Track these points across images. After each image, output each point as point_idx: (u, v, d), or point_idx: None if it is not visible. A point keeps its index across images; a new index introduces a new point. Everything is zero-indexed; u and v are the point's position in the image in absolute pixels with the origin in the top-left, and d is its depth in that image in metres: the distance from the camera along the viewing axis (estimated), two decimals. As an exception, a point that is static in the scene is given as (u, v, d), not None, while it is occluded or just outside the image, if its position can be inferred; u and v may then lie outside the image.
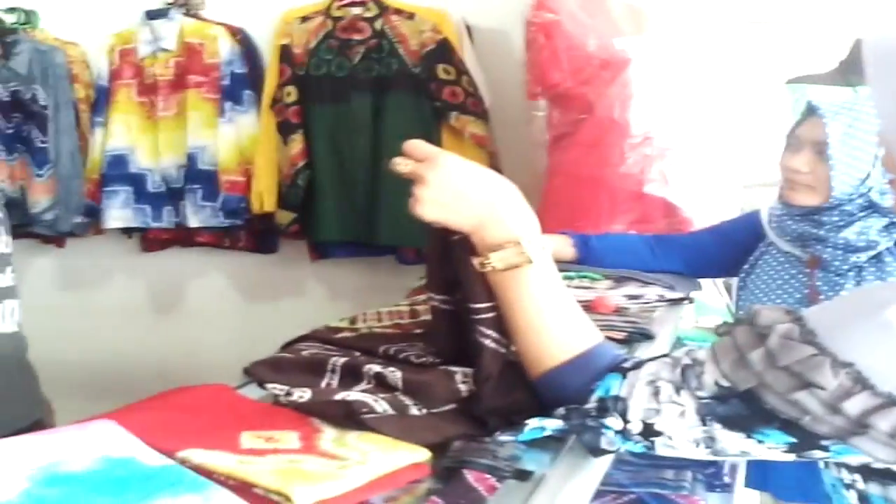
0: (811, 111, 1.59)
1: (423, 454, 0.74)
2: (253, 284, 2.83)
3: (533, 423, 0.77)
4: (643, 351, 1.17)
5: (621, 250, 1.77)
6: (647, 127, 2.02)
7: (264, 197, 2.52)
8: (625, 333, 1.20)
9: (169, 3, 2.59)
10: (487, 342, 0.86)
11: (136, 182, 2.62)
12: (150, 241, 2.77)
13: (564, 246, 1.75)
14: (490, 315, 0.86)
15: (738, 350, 0.69)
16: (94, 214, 2.65)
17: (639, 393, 0.73)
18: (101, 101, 2.63)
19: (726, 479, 1.39)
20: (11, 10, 2.68)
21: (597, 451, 0.75)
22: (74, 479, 0.59)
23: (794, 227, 1.62)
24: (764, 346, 0.68)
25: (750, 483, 1.65)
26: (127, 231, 2.74)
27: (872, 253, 1.54)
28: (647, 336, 1.20)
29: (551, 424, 0.76)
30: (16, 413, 1.55)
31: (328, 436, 0.76)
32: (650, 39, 2.01)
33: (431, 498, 0.68)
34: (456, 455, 0.76)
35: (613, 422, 0.73)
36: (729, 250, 1.75)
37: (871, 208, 1.55)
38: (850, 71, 2.41)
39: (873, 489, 0.73)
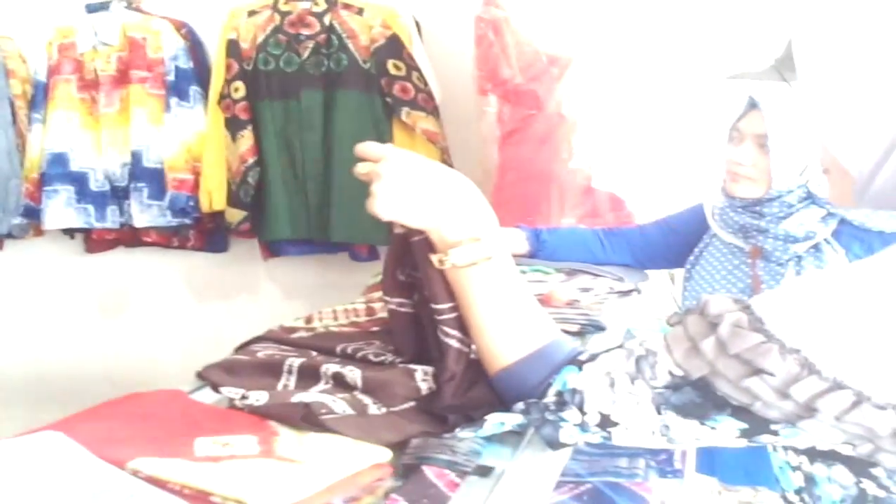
0: (752, 105, 1.62)
1: (384, 454, 0.74)
2: (204, 285, 2.79)
3: (493, 418, 0.77)
4: (596, 342, 1.19)
5: (572, 244, 1.79)
6: (595, 122, 2.04)
7: (213, 195, 2.49)
8: (578, 325, 1.22)
9: (109, -3, 2.52)
10: (452, 342, 0.86)
11: (78, 181, 2.56)
12: (94, 241, 2.70)
13: (517, 240, 1.78)
14: (453, 315, 0.86)
15: (689, 339, 0.71)
16: (33, 215, 2.58)
17: (595, 385, 0.74)
18: (39, 96, 2.56)
19: (677, 466, 1.42)
20: (-57, 4, 2.59)
21: (556, 445, 0.76)
22: (18, 494, 0.57)
23: (736, 219, 1.66)
24: (715, 334, 0.69)
25: (698, 468, 1.69)
26: (69, 232, 2.68)
27: (811, 243, 1.59)
28: (599, 327, 1.22)
29: (511, 420, 0.77)
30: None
31: (286, 439, 0.76)
32: (596, 36, 2.03)
33: (391, 496, 0.68)
34: (415, 451, 0.77)
35: (571, 415, 0.74)
36: (675, 242, 1.79)
37: (809, 199, 1.59)
38: (785, 67, 2.47)
39: (818, 470, 0.75)
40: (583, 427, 0.74)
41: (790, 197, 1.59)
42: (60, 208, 2.55)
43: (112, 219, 2.59)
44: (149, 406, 0.83)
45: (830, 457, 0.73)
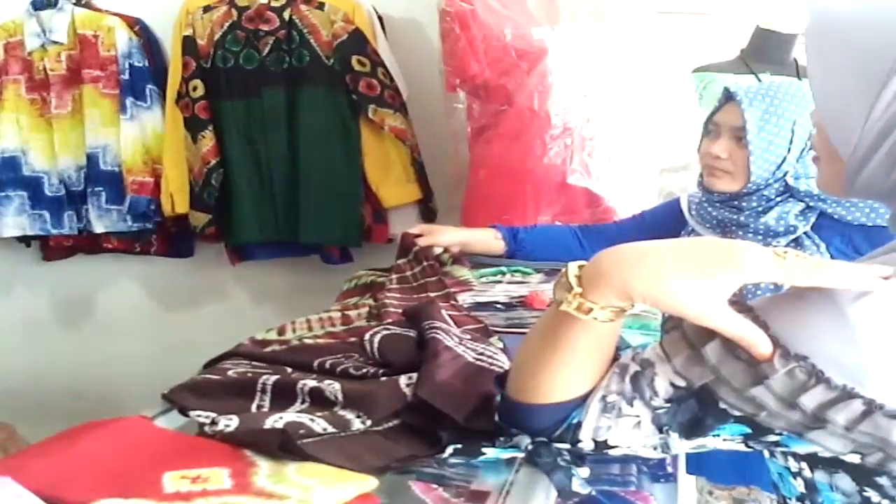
0: (729, 97, 1.60)
1: (369, 483, 0.69)
2: (169, 291, 2.71)
3: (490, 452, 0.73)
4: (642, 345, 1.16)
5: (550, 242, 1.75)
6: (567, 117, 2.01)
7: (175, 198, 2.40)
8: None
9: (58, -8, 2.42)
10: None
11: (32, 186, 2.46)
12: (51, 249, 2.60)
13: (493, 240, 1.74)
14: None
15: (689, 345, 0.68)
16: (-14, 223, 2.47)
17: (591, 412, 0.71)
18: (-14, 99, 2.46)
19: (670, 469, 1.39)
20: None
21: (567, 493, 0.72)
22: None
23: (714, 214, 1.63)
24: (717, 338, 0.66)
25: (689, 469, 1.67)
26: (24, 239, 2.57)
27: (791, 237, 1.57)
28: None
29: (506, 456, 0.73)
30: None
31: (264, 471, 0.70)
32: (566, 29, 1.99)
33: None
34: (401, 466, 0.72)
35: (584, 471, 0.71)
36: (652, 238, 1.75)
37: (788, 192, 1.57)
38: (751, 58, 2.47)
39: (820, 476, 0.73)
40: (578, 456, 0.70)
41: (768, 191, 1.56)
42: (13, 215, 2.45)
43: (69, 225, 2.49)
44: (110, 437, 0.77)
45: (832, 464, 0.70)
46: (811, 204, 1.56)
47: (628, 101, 2.10)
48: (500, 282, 1.55)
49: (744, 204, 1.58)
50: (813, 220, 1.57)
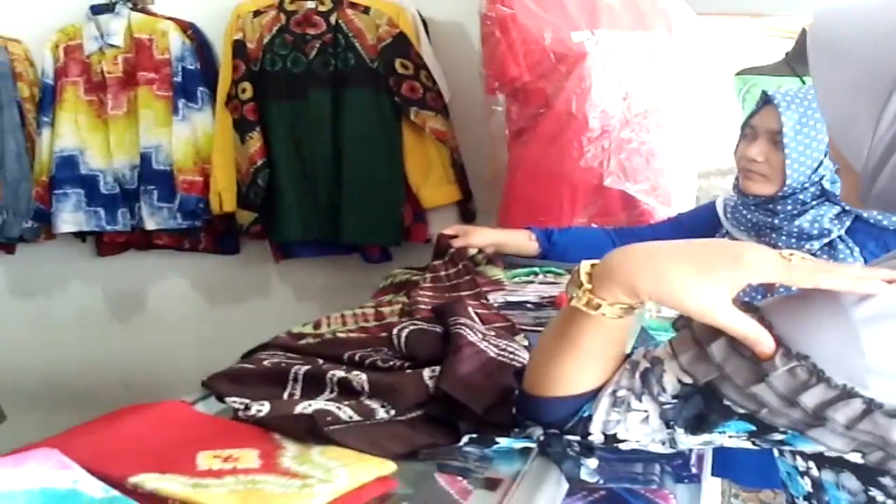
0: (766, 101, 1.60)
1: (388, 467, 0.72)
2: (216, 287, 2.78)
3: (504, 442, 0.76)
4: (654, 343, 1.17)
5: (583, 244, 1.77)
6: (605, 120, 2.02)
7: (223, 197, 2.47)
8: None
9: (114, -3, 2.51)
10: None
11: (88, 184, 2.54)
12: (105, 244, 2.69)
13: (527, 241, 1.76)
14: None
15: (696, 343, 0.70)
16: (44, 219, 2.56)
17: (601, 406, 0.74)
18: (46, 99, 2.54)
19: (693, 470, 1.40)
20: (-53, 6, 2.59)
21: (575, 482, 0.75)
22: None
23: (749, 217, 1.64)
24: (723, 336, 0.68)
25: (714, 471, 1.67)
26: (80, 235, 2.67)
27: (825, 241, 1.56)
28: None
29: (521, 444, 0.76)
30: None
31: (290, 452, 0.74)
32: (605, 33, 2.00)
33: None
34: (427, 458, 0.76)
35: (593, 462, 0.74)
36: None
37: (823, 196, 1.57)
38: (796, 61, 2.45)
39: (826, 476, 0.74)
40: (589, 448, 0.73)
41: (804, 194, 1.56)
42: (71, 211, 2.54)
43: (123, 222, 2.57)
44: (150, 419, 0.82)
45: (838, 463, 0.72)
46: (847, 208, 1.56)
47: (669, 105, 2.11)
48: (532, 282, 1.58)
49: (779, 207, 1.58)
50: (848, 223, 1.56)
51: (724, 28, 2.53)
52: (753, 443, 0.71)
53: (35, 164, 2.58)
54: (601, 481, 0.75)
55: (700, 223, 1.77)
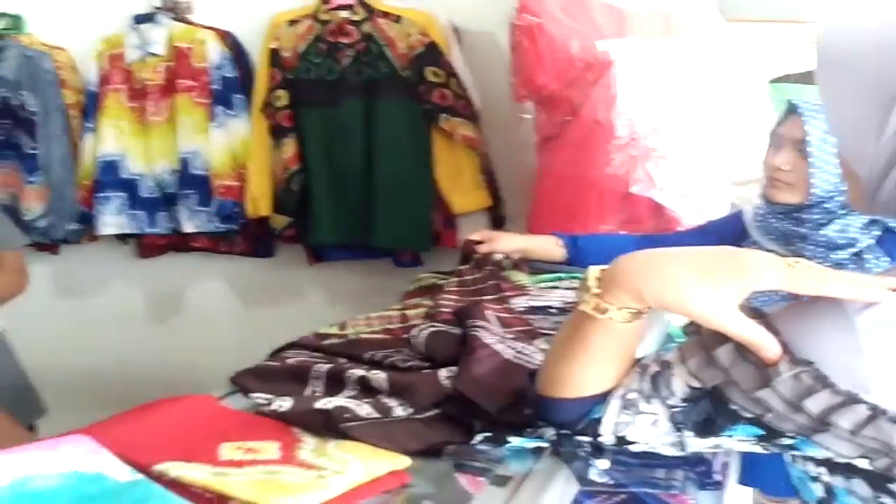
0: (791, 110, 1.60)
1: (402, 461, 0.76)
2: (251, 289, 2.83)
3: (516, 441, 0.78)
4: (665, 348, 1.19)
5: (609, 250, 1.75)
6: (632, 127, 2.03)
7: (258, 201, 2.53)
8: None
9: (157, 8, 2.58)
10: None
11: (130, 188, 2.61)
12: (145, 246, 2.77)
13: (553, 247, 1.77)
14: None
15: (704, 348, 0.71)
16: (87, 221, 2.64)
17: (611, 408, 0.75)
18: (90, 106, 2.62)
19: (717, 477, 1.41)
20: (-3, 14, 2.68)
21: (585, 481, 0.77)
22: (43, 495, 0.60)
23: (776, 226, 1.64)
24: (730, 342, 0.70)
25: (740, 480, 1.66)
26: (122, 237, 2.74)
27: (853, 250, 1.56)
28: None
29: (532, 444, 0.78)
30: (11, 414, 1.58)
31: (308, 446, 0.78)
32: (632, 40, 2.02)
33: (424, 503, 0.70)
34: (448, 458, 0.78)
35: (602, 463, 0.75)
36: None
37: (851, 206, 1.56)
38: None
39: (838, 482, 0.75)
40: (600, 449, 0.75)
41: (830, 203, 1.56)
42: (113, 214, 2.61)
43: (162, 224, 2.64)
44: (179, 411, 0.87)
45: (848, 469, 0.72)
46: (876, 217, 1.55)
47: (698, 112, 2.11)
48: (557, 287, 1.60)
49: (805, 216, 1.58)
50: (877, 233, 1.56)
51: (760, 34, 2.51)
52: (763, 447, 0.72)
53: (79, 169, 2.66)
54: (610, 480, 0.76)
55: (727, 232, 1.77)
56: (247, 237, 2.67)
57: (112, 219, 2.61)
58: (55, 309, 2.92)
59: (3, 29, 2.65)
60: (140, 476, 0.66)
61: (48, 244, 2.77)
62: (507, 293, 1.45)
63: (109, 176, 2.60)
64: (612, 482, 0.77)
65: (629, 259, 0.75)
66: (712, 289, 0.69)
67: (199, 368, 2.83)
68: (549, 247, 1.76)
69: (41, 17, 2.72)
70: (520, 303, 1.42)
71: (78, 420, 0.96)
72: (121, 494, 0.62)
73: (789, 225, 1.61)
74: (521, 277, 1.60)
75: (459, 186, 2.43)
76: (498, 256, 1.71)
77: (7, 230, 1.80)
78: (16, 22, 2.67)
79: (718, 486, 1.42)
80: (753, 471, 1.67)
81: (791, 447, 0.70)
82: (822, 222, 1.57)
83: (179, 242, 2.70)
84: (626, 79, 2.01)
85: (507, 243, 1.72)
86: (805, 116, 1.55)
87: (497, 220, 2.49)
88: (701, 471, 1.40)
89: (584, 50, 1.99)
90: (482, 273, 1.55)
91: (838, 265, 1.56)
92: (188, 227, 2.58)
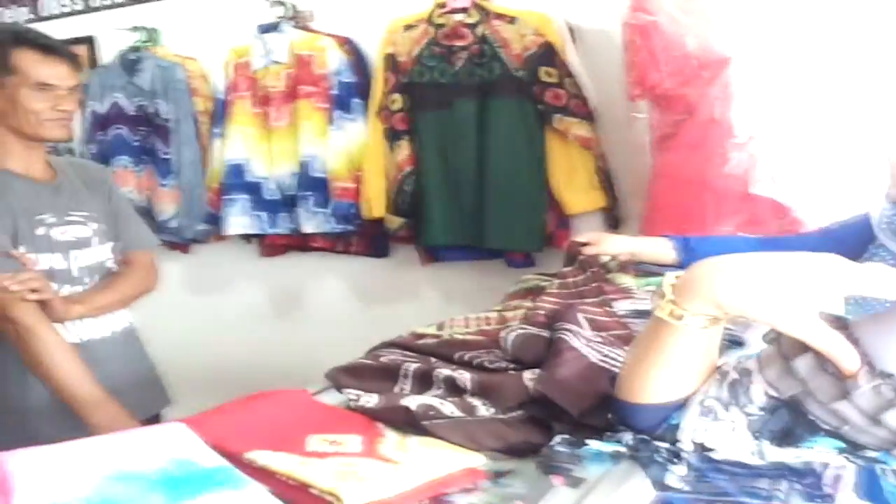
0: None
1: (478, 459, 0.76)
2: (367, 288, 2.91)
3: (594, 444, 0.78)
4: (733, 356, 1.15)
5: (723, 252, 1.71)
6: (752, 126, 1.94)
7: (373, 202, 2.59)
8: (715, 340, 1.18)
9: (280, 17, 2.70)
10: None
11: (253, 190, 2.74)
12: (268, 246, 2.90)
13: (664, 249, 1.72)
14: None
15: (783, 357, 0.69)
16: (215, 222, 2.79)
17: (689, 414, 0.74)
18: (219, 113, 2.78)
19: (828, 490, 1.33)
20: (136, 28, 2.87)
21: (660, 486, 0.75)
22: (139, 477, 0.65)
23: (905, 228, 1.53)
24: (809, 352, 0.67)
25: (861, 495, 1.57)
26: (246, 237, 2.88)
27: None
28: (738, 343, 1.17)
29: (609, 448, 0.77)
30: (139, 403, 1.70)
31: (390, 440, 0.80)
32: (750, 36, 1.93)
33: (517, 502, 0.71)
34: (545, 461, 0.79)
35: (679, 469, 0.74)
36: (837, 252, 1.66)
37: None
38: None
39: None
40: (678, 455, 0.73)
41: (965, 204, 1.44)
42: (238, 215, 2.75)
43: (283, 225, 2.75)
44: (273, 403, 0.91)
45: None
46: None
47: (824, 109, 2.00)
48: (664, 290, 1.55)
49: (936, 217, 1.47)
50: None
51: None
52: (847, 459, 0.69)
53: (208, 172, 2.81)
54: (686, 487, 0.74)
55: (852, 234, 1.67)
56: (363, 237, 2.74)
57: (237, 219, 2.75)
58: (185, 304, 3.10)
59: (141, 42, 2.84)
60: (223, 462, 0.70)
61: (179, 243, 2.94)
62: (611, 296, 1.42)
63: (235, 179, 2.74)
64: (689, 489, 0.74)
65: (706, 264, 0.73)
66: (791, 296, 0.67)
67: (318, 363, 2.90)
68: (660, 249, 1.72)
69: (175, 30, 2.90)
70: (623, 306, 1.39)
71: (202, 410, 1.01)
72: (203, 478, 0.66)
73: (920, 227, 1.50)
74: (627, 280, 1.57)
75: (573, 187, 2.41)
76: (604, 258, 1.68)
77: (141, 231, 1.92)
78: (152, 35, 2.87)
79: (829, 499, 1.34)
80: (875, 486, 1.57)
81: (875, 460, 0.67)
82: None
83: (299, 242, 2.80)
84: (745, 75, 1.93)
85: (614, 245, 1.69)
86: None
87: (612, 221, 2.45)
88: (809, 483, 1.33)
89: (701, 47, 1.93)
90: (586, 275, 1.53)
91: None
92: (307, 227, 2.68)
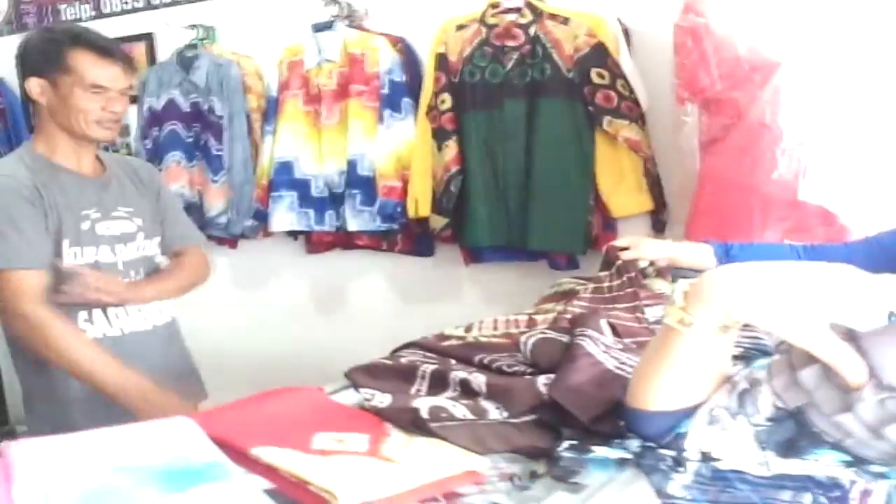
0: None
1: (480, 462, 0.76)
2: (410, 286, 2.91)
3: (600, 451, 0.77)
4: (759, 366, 1.12)
5: (765, 260, 1.67)
6: (802, 131, 1.89)
7: (419, 202, 2.59)
8: (742, 349, 1.14)
9: (334, 16, 2.72)
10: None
11: (301, 187, 2.76)
12: (313, 243, 2.92)
13: (704, 255, 1.68)
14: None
15: (791, 368, 0.68)
16: (262, 218, 2.82)
17: (696, 422, 0.73)
18: (271, 110, 2.81)
19: (854, 504, 1.29)
20: (192, 26, 2.92)
21: (663, 494, 0.74)
22: (141, 469, 0.66)
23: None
24: (817, 363, 0.66)
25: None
26: (293, 234, 2.91)
27: None
28: (764, 352, 1.14)
29: (615, 455, 0.77)
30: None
31: (396, 441, 0.80)
32: (801, 40, 1.87)
33: None
34: (566, 465, 0.78)
35: (683, 477, 0.73)
36: (883, 263, 1.59)
37: None
38: None
39: None
40: (682, 463, 0.72)
41: None
42: (285, 212, 2.77)
43: (329, 223, 2.77)
44: (287, 400, 0.91)
45: None
46: None
47: (878, 114, 1.92)
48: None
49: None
50: None
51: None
52: (855, 472, 0.67)
53: (257, 169, 2.85)
54: (688, 495, 0.73)
55: None
56: (408, 236, 2.74)
57: (284, 216, 2.77)
58: (232, 298, 3.16)
59: (197, 39, 2.89)
60: (219, 457, 0.71)
61: (228, 239, 2.99)
62: (645, 302, 1.39)
63: (284, 176, 2.76)
64: (690, 497, 0.73)
65: (717, 272, 0.73)
66: (803, 308, 0.65)
67: (358, 361, 2.93)
68: (700, 255, 1.68)
69: (231, 28, 2.95)
70: (655, 312, 1.37)
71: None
72: (197, 473, 0.67)
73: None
74: (663, 286, 1.54)
75: (620, 189, 2.37)
76: (642, 263, 1.65)
77: (189, 228, 1.97)
78: (209, 33, 2.92)
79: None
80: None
81: (882, 475, 0.65)
82: None
83: (344, 240, 2.82)
84: (797, 80, 1.87)
85: (653, 250, 1.66)
86: None
87: (658, 225, 2.40)
88: (834, 496, 1.29)
89: (752, 51, 1.88)
90: (622, 280, 1.51)
91: None
92: (352, 225, 2.69)
